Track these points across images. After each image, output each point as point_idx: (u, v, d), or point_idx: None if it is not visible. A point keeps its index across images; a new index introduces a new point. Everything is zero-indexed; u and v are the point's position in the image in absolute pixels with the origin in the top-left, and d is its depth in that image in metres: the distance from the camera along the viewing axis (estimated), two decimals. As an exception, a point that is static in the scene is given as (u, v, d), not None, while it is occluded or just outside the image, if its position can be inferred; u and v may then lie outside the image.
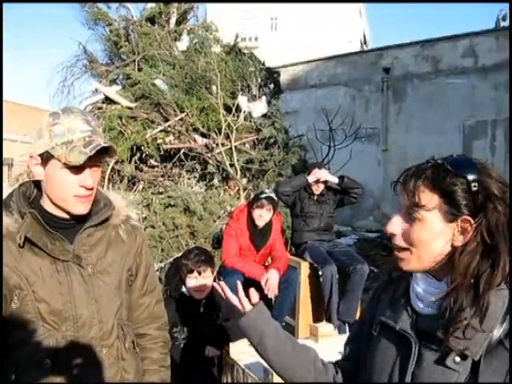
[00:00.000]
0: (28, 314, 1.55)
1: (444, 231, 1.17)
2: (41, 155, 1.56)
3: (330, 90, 14.65)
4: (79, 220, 1.65)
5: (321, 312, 4.82)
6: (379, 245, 10.84)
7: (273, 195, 4.56)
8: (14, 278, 1.54)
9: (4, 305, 1.55)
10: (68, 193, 1.57)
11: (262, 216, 4.52)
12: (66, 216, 1.62)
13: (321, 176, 5.07)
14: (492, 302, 1.13)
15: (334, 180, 5.13)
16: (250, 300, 1.56)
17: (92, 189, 1.59)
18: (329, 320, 4.59)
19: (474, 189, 1.13)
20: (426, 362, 1.17)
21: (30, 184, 1.69)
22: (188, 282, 3.38)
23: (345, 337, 3.72)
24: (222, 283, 1.64)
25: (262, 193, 4.56)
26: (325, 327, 3.62)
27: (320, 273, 4.80)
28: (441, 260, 1.19)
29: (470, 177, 1.14)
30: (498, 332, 1.11)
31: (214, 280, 3.82)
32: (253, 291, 1.58)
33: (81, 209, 1.60)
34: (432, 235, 1.18)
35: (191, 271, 3.37)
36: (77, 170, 1.55)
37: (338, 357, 3.24)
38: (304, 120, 11.77)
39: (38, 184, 1.68)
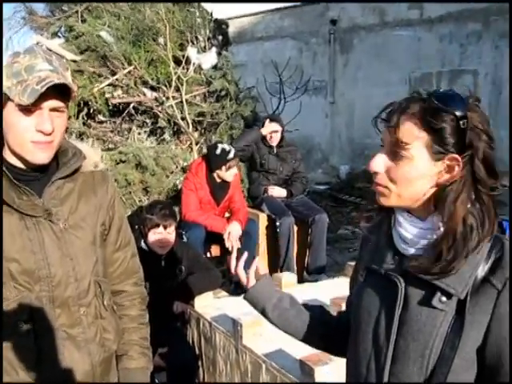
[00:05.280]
0: None
1: (429, 169, 1.14)
2: None
3: (276, 42, 14.47)
4: (46, 172, 1.54)
5: (279, 263, 4.87)
6: (329, 196, 10.99)
7: (233, 149, 4.50)
8: None
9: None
10: (25, 139, 1.43)
11: (234, 173, 4.50)
12: (28, 167, 1.50)
13: (273, 129, 5.08)
14: (477, 236, 1.12)
15: (283, 194, 5.13)
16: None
17: (50, 134, 1.45)
18: (285, 271, 4.62)
19: (463, 126, 1.10)
20: (412, 304, 1.17)
21: None
22: (151, 237, 3.31)
23: (309, 286, 3.79)
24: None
25: (225, 152, 4.45)
26: (288, 277, 3.63)
27: (277, 224, 4.81)
28: (423, 198, 1.17)
29: (459, 113, 1.10)
30: (482, 269, 1.11)
31: (181, 237, 3.78)
32: (260, 264, 1.65)
33: (40, 157, 1.47)
34: (417, 173, 1.14)
35: (157, 225, 3.30)
36: (32, 112, 1.42)
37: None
38: (252, 73, 11.60)
39: None
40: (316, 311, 1.56)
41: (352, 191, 11.47)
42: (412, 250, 1.19)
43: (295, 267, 4.94)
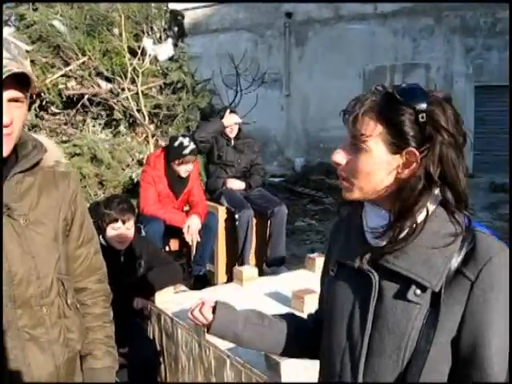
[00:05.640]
0: None
1: (388, 163, 1.14)
2: None
3: (232, 34, 14.42)
4: (4, 166, 1.46)
5: (238, 256, 4.85)
6: (284, 189, 11.03)
7: (193, 146, 4.43)
8: None
9: None
10: None
11: (188, 170, 4.43)
12: None
13: (236, 121, 5.06)
14: (448, 231, 1.14)
15: (241, 186, 5.10)
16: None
17: (9, 126, 1.38)
18: (242, 264, 4.60)
19: (422, 120, 1.08)
20: (386, 297, 1.16)
21: None
22: (110, 232, 3.24)
23: (270, 279, 3.78)
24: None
25: (182, 146, 4.37)
26: (249, 270, 3.61)
27: (236, 217, 4.79)
28: (385, 191, 1.16)
29: (419, 106, 1.09)
30: (456, 261, 1.12)
31: (139, 231, 3.71)
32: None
33: None
34: (374, 167, 1.14)
35: (115, 220, 3.22)
36: None
37: (262, 298, 3.28)
38: (207, 65, 11.49)
39: None
40: (288, 319, 1.51)
41: (307, 183, 11.56)
42: (383, 243, 1.18)
43: (254, 260, 4.93)
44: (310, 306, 2.88)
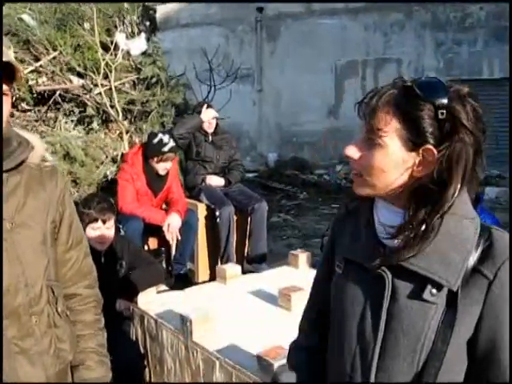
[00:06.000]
0: None
1: (403, 160, 1.08)
2: None
3: (202, 29, 14.26)
4: None
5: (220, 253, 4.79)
6: (258, 184, 10.99)
7: (173, 143, 4.33)
8: None
9: None
10: None
11: (166, 167, 4.34)
12: None
13: (214, 115, 5.00)
14: (464, 229, 1.10)
15: (221, 183, 5.04)
16: None
17: None
18: (226, 262, 4.53)
19: (441, 116, 1.03)
20: (400, 297, 1.11)
21: None
22: (90, 233, 3.12)
23: (253, 276, 3.73)
24: None
25: (161, 143, 4.28)
26: (232, 268, 3.55)
27: (217, 213, 4.72)
28: (398, 189, 1.11)
29: (439, 102, 1.03)
30: (473, 259, 1.08)
31: (118, 230, 3.61)
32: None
33: None
34: (390, 163, 1.09)
35: (95, 220, 3.12)
36: None
37: (247, 296, 3.23)
38: (177, 60, 11.35)
39: None
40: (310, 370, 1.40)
41: (281, 178, 11.53)
42: (395, 241, 1.13)
43: (235, 257, 4.87)
44: (297, 303, 2.85)
